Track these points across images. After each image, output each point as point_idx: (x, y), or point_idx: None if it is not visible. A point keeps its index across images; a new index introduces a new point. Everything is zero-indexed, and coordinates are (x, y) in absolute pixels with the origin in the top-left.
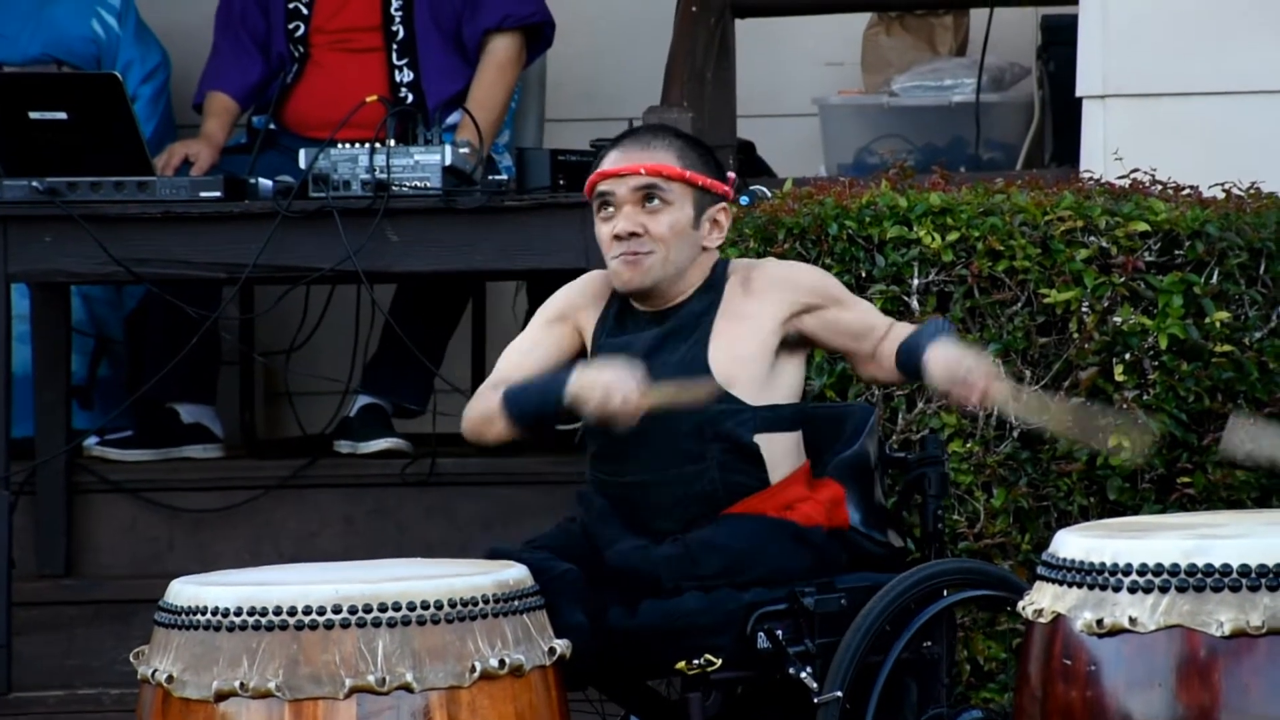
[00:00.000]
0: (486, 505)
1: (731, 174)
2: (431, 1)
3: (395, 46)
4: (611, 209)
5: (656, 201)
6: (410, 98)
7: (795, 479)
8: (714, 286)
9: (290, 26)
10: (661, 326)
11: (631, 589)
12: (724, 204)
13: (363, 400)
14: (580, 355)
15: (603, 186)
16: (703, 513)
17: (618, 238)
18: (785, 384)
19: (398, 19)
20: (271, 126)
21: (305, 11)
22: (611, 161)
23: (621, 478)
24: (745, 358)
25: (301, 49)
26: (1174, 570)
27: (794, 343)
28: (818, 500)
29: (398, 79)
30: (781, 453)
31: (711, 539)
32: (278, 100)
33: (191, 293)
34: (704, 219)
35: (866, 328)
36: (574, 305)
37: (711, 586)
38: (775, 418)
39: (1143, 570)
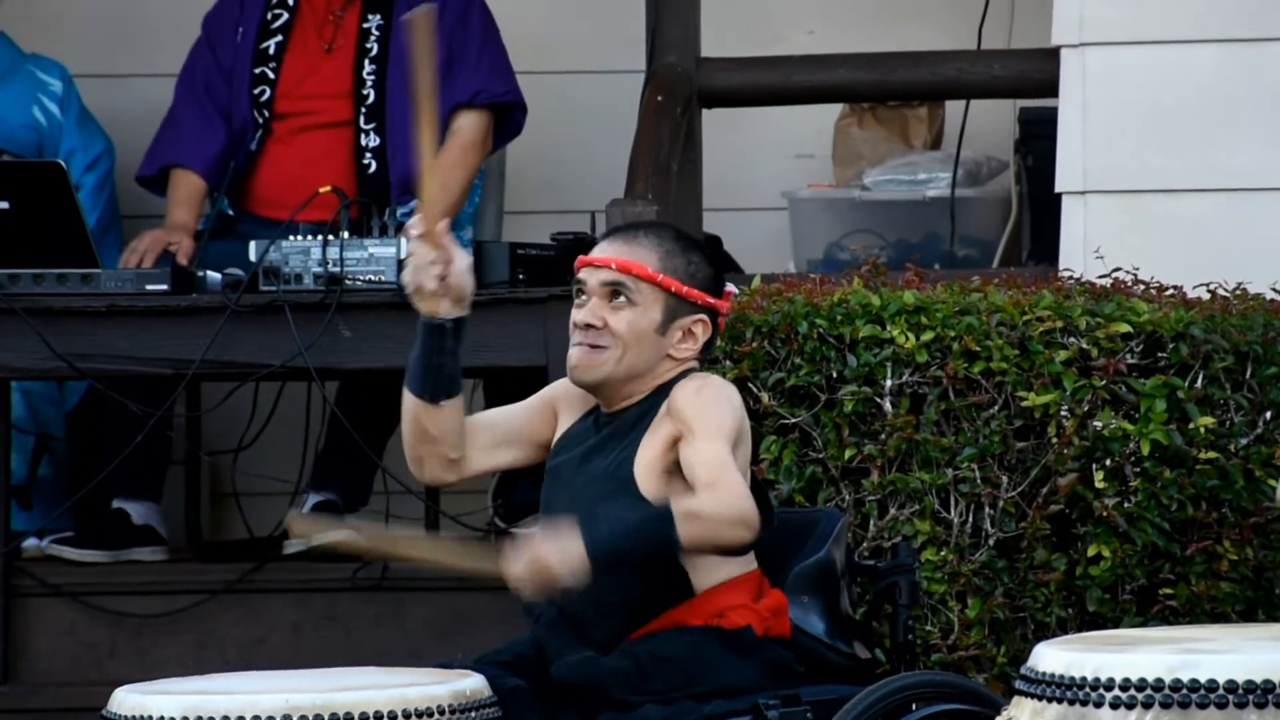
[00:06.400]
0: (439, 611)
1: (730, 288)
2: (406, 69)
3: (364, 110)
4: (585, 297)
5: (622, 299)
6: (374, 166)
7: (737, 585)
8: (660, 394)
9: (256, 91)
10: (601, 432)
11: (580, 703)
12: (703, 316)
13: (314, 499)
14: (545, 442)
15: (580, 274)
16: (625, 622)
17: (577, 326)
18: None
19: (370, 83)
20: (230, 212)
21: (272, 76)
22: (595, 250)
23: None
24: (657, 474)
25: (266, 113)
26: (1158, 686)
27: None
28: (754, 609)
29: (363, 143)
30: (710, 558)
31: (660, 651)
32: (240, 178)
33: (136, 389)
34: (674, 326)
35: (685, 468)
36: (565, 396)
37: (670, 699)
38: None
39: (1125, 686)
